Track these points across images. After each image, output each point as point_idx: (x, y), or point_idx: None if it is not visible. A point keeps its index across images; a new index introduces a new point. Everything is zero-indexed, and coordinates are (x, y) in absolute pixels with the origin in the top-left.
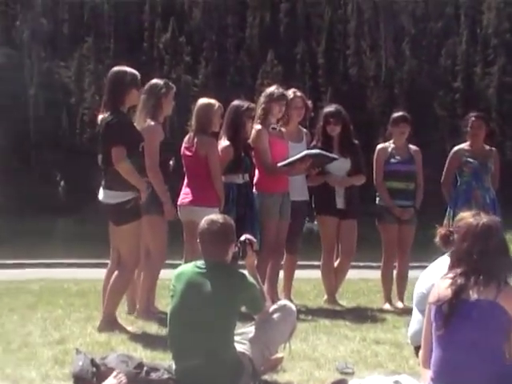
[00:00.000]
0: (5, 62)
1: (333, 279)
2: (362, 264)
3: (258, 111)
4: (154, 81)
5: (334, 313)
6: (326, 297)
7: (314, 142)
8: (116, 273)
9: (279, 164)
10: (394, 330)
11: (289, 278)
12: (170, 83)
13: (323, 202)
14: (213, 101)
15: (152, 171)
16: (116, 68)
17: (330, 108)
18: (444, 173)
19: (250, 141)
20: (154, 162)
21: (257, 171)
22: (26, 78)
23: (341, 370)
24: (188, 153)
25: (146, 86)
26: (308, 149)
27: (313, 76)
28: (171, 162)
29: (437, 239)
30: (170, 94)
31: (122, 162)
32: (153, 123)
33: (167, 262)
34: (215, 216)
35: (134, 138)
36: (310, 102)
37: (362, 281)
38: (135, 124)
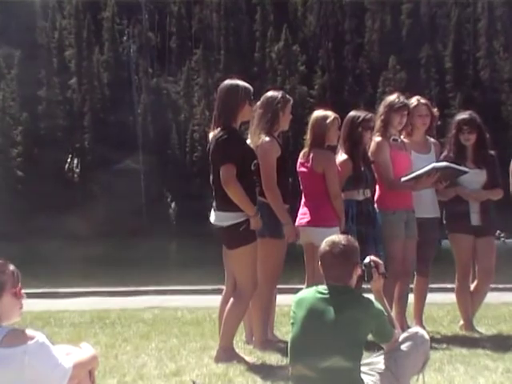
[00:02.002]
0: (113, 80)
1: (469, 303)
2: (501, 286)
3: (378, 122)
4: (270, 93)
5: (471, 340)
6: (461, 322)
7: (445, 153)
8: (232, 300)
9: (403, 178)
10: None
11: (420, 302)
12: (288, 95)
13: (456, 219)
14: (329, 112)
15: (269, 190)
16: (227, 81)
17: (463, 115)
18: None
19: (369, 154)
20: (272, 180)
21: (378, 186)
22: (134, 95)
23: None
24: (303, 169)
25: (262, 99)
26: (438, 160)
27: (439, 81)
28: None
29: None
30: (288, 107)
31: (230, 182)
32: (268, 139)
33: (287, 286)
34: (337, 237)
35: (245, 155)
36: (435, 110)
37: (504, 305)
38: (249, 141)
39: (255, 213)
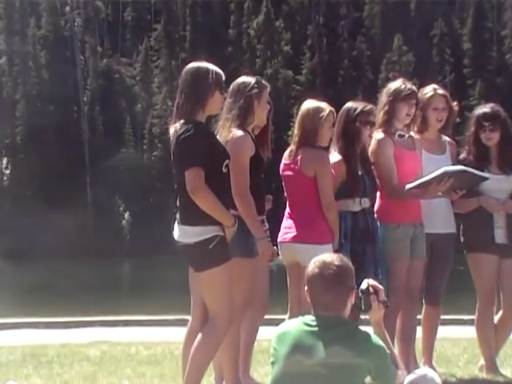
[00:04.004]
0: (52, 61)
1: (492, 339)
2: None
3: (380, 115)
4: (242, 79)
5: None
6: (482, 363)
7: (463, 154)
8: (201, 333)
9: (408, 185)
10: None
11: (429, 337)
12: (264, 81)
13: (477, 235)
14: (323, 104)
15: (240, 197)
16: (194, 64)
17: (484, 109)
18: None
19: (369, 154)
20: (243, 184)
21: (379, 194)
22: (79, 80)
23: None
24: (289, 172)
25: (232, 86)
26: (454, 163)
27: (456, 66)
28: (269, 197)
29: None
30: (264, 95)
31: (199, 188)
32: (240, 133)
33: (267, 316)
34: (329, 256)
35: (214, 154)
36: (455, 104)
37: None
38: (218, 136)
39: (234, 222)
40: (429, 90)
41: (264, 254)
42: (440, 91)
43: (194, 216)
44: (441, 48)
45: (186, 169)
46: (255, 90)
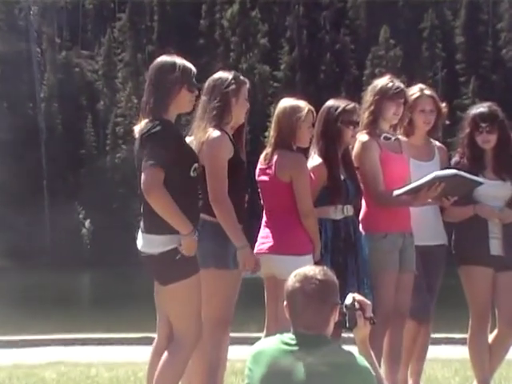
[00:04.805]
0: (5, 53)
1: (486, 360)
2: None
3: (365, 115)
4: (218, 74)
5: None
6: None
7: (456, 158)
8: (167, 353)
9: (396, 191)
10: None
11: (419, 357)
12: (242, 77)
13: (470, 246)
14: (301, 102)
15: (218, 202)
16: (161, 58)
17: (480, 108)
18: None
19: (352, 157)
20: (221, 188)
21: (363, 202)
22: (35, 75)
23: None
24: (264, 177)
25: (208, 83)
26: (443, 168)
27: (448, 61)
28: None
29: None
30: (242, 91)
31: (154, 188)
32: (216, 134)
33: (241, 334)
34: (310, 269)
35: (182, 157)
36: (443, 105)
37: None
38: (190, 138)
39: (191, 230)
40: (415, 91)
41: (246, 264)
42: (427, 92)
43: (159, 224)
44: (431, 42)
45: (144, 168)
46: (232, 87)
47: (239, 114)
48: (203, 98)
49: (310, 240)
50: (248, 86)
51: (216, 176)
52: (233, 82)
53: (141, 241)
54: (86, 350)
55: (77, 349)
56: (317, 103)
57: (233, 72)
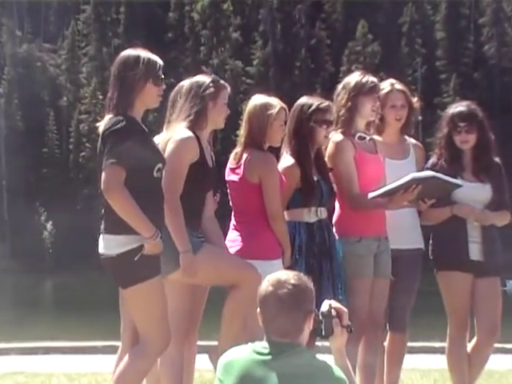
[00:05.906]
0: None
1: (466, 369)
2: (510, 346)
3: (341, 112)
4: (197, 77)
5: None
6: None
7: (433, 159)
8: (128, 356)
9: (371, 193)
10: None
11: (394, 367)
12: (222, 81)
13: (449, 251)
14: (272, 100)
15: (167, 203)
16: (126, 51)
17: (459, 107)
18: None
19: (326, 158)
20: (174, 190)
21: (337, 204)
22: None
23: None
24: (233, 178)
25: (186, 85)
26: (421, 169)
27: (427, 58)
28: (217, 195)
29: None
30: (221, 96)
31: (114, 187)
32: (185, 133)
33: (210, 343)
34: (284, 274)
35: (145, 156)
36: (415, 100)
37: None
38: (159, 138)
39: (153, 233)
40: (385, 86)
41: (186, 270)
42: (398, 86)
43: (117, 223)
44: (411, 37)
45: (104, 166)
46: (210, 90)
47: (217, 118)
48: (179, 100)
49: (279, 244)
50: (229, 90)
51: (171, 175)
52: (211, 85)
53: (101, 242)
54: (48, 359)
55: (38, 358)
56: (291, 100)
57: (212, 75)
